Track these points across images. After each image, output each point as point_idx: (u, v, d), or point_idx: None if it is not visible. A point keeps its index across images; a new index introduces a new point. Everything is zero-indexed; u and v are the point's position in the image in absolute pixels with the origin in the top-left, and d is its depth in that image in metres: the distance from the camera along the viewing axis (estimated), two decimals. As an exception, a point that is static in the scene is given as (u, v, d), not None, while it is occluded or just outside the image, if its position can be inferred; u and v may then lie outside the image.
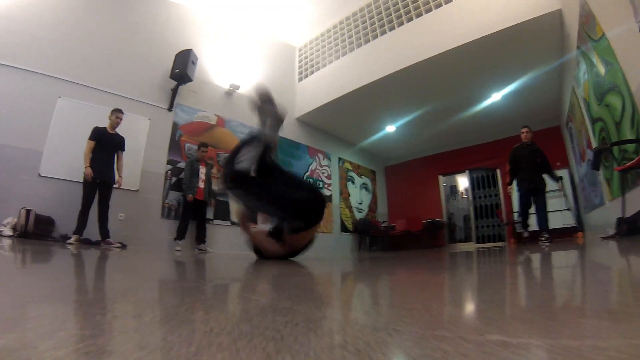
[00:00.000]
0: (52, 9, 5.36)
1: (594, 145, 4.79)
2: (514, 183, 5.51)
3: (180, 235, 5.50)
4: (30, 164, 4.74)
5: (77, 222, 4.39)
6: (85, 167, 4.48)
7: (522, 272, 1.51)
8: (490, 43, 5.45)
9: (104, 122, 4.87)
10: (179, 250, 5.17)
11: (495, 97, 7.24)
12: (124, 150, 4.96)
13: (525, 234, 5.74)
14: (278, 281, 1.29)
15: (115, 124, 4.87)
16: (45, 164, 4.84)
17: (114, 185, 4.81)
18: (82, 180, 4.54)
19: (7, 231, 4.13)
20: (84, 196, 4.49)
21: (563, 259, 2.14)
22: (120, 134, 4.95)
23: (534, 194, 5.27)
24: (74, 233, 4.37)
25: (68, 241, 4.31)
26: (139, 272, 1.70)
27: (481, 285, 1.09)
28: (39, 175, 4.79)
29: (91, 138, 4.62)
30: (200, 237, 5.74)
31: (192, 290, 0.94)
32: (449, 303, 0.77)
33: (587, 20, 3.94)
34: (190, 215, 5.67)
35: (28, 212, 4.33)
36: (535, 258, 2.26)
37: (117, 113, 4.88)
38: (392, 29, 6.66)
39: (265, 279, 1.41)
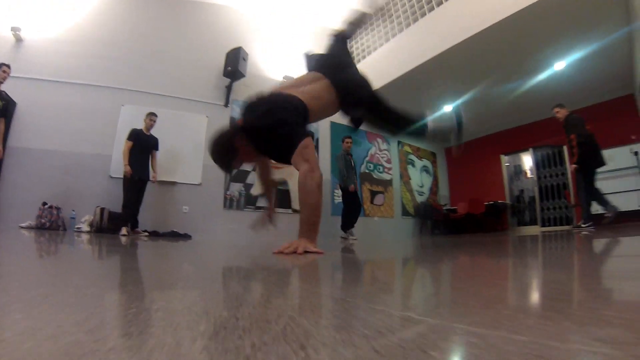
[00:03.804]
0: (108, 28, 5.97)
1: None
2: None
3: (350, 224, 5.94)
4: (102, 167, 5.35)
5: (124, 215, 4.73)
6: (125, 165, 4.80)
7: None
8: (550, 6, 4.92)
9: (165, 124, 5.25)
10: (354, 239, 5.49)
11: (559, 66, 6.58)
12: (157, 149, 5.31)
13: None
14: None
15: (149, 126, 5.19)
16: (115, 166, 5.40)
17: (149, 180, 5.14)
18: (122, 177, 4.85)
19: (85, 227, 4.70)
20: (125, 191, 4.80)
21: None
22: (155, 134, 5.27)
23: None
24: (123, 225, 4.67)
25: (121, 233, 4.56)
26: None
27: None
28: (110, 176, 5.37)
29: (129, 139, 4.95)
30: (351, 224, 6.08)
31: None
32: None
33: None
34: (350, 205, 6.07)
35: (102, 210, 4.89)
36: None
37: (151, 116, 5.20)
38: (439, 3, 6.29)
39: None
